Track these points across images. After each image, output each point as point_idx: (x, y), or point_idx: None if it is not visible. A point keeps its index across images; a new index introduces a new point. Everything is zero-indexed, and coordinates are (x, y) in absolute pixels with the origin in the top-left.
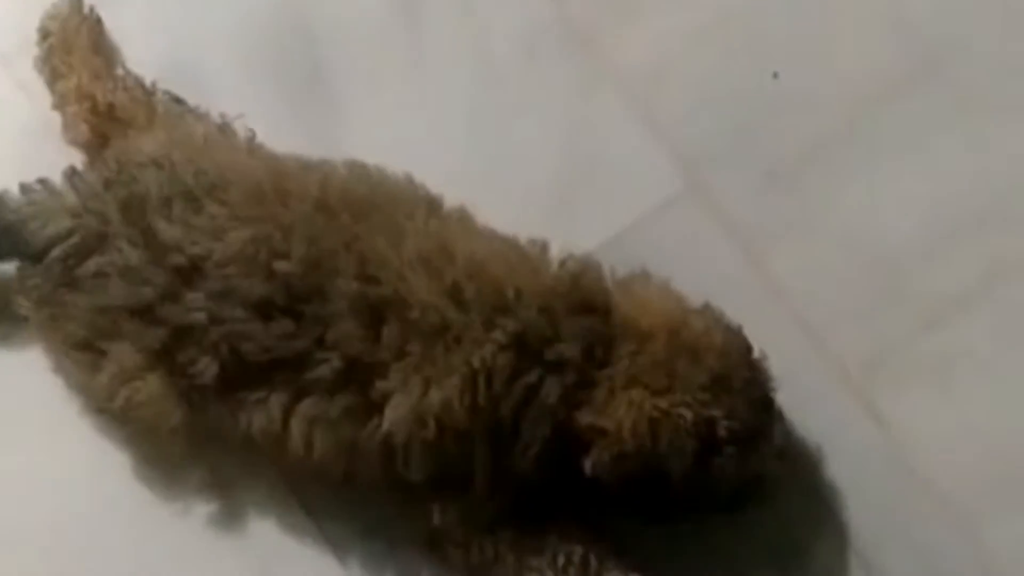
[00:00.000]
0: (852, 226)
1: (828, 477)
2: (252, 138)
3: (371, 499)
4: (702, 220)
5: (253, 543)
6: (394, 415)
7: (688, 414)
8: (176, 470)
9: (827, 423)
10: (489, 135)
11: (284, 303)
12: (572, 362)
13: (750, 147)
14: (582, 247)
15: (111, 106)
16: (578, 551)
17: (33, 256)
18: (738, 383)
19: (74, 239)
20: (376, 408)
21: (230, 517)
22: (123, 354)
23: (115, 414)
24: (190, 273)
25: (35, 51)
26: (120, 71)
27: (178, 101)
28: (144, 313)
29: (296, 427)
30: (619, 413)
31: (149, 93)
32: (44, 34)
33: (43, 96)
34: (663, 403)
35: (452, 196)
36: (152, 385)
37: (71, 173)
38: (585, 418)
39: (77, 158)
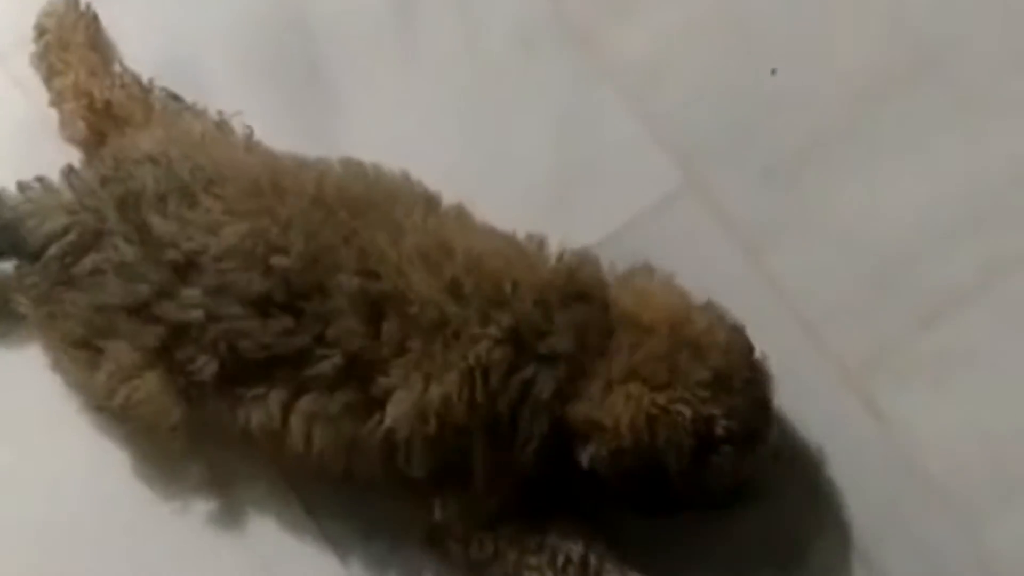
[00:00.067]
0: (851, 223)
1: (827, 474)
2: (250, 135)
3: (371, 497)
4: (700, 217)
5: (253, 541)
6: (396, 411)
7: (687, 411)
8: (175, 468)
9: (826, 420)
10: (486, 132)
11: (283, 299)
12: (565, 354)
13: (748, 144)
14: (580, 244)
15: (108, 103)
16: (577, 550)
17: (31, 254)
18: (739, 383)
19: (70, 236)
20: (377, 404)
21: (230, 515)
22: (121, 352)
23: (114, 412)
24: (186, 269)
25: (31, 48)
26: (117, 68)
27: (175, 98)
28: (141, 311)
29: (296, 423)
30: (617, 407)
31: (146, 90)
32: (40, 31)
33: (39, 93)
34: (662, 399)
35: (450, 193)
36: (150, 383)
37: (68, 171)
38: (582, 410)
39: (74, 155)
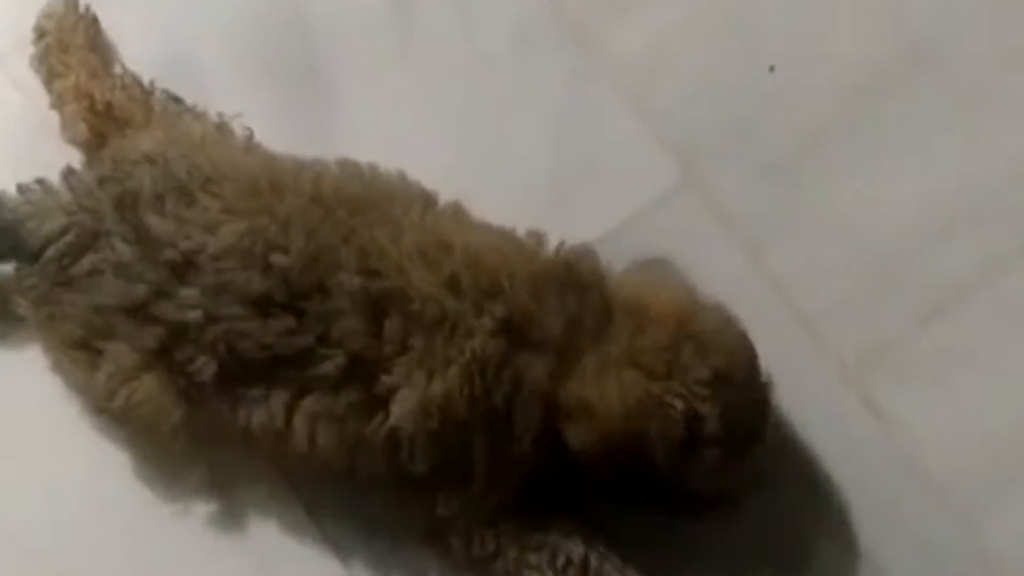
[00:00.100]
0: (850, 220)
1: (826, 472)
2: (250, 137)
3: (373, 497)
4: (699, 214)
5: (253, 543)
6: (401, 409)
7: (680, 404)
8: (176, 470)
9: (825, 418)
10: (485, 131)
11: (284, 299)
12: (557, 338)
13: (748, 141)
14: (580, 242)
15: (109, 105)
16: (578, 551)
17: (31, 256)
18: (737, 387)
19: (68, 237)
20: (380, 403)
21: (230, 517)
22: (120, 353)
23: (115, 413)
24: (184, 269)
25: (30, 50)
26: (118, 70)
27: (176, 100)
28: (139, 312)
29: (300, 424)
30: (610, 391)
31: (147, 92)
32: (40, 33)
33: (38, 94)
34: (657, 388)
35: (448, 192)
36: (150, 384)
37: (67, 172)
38: (574, 390)
39: (74, 157)
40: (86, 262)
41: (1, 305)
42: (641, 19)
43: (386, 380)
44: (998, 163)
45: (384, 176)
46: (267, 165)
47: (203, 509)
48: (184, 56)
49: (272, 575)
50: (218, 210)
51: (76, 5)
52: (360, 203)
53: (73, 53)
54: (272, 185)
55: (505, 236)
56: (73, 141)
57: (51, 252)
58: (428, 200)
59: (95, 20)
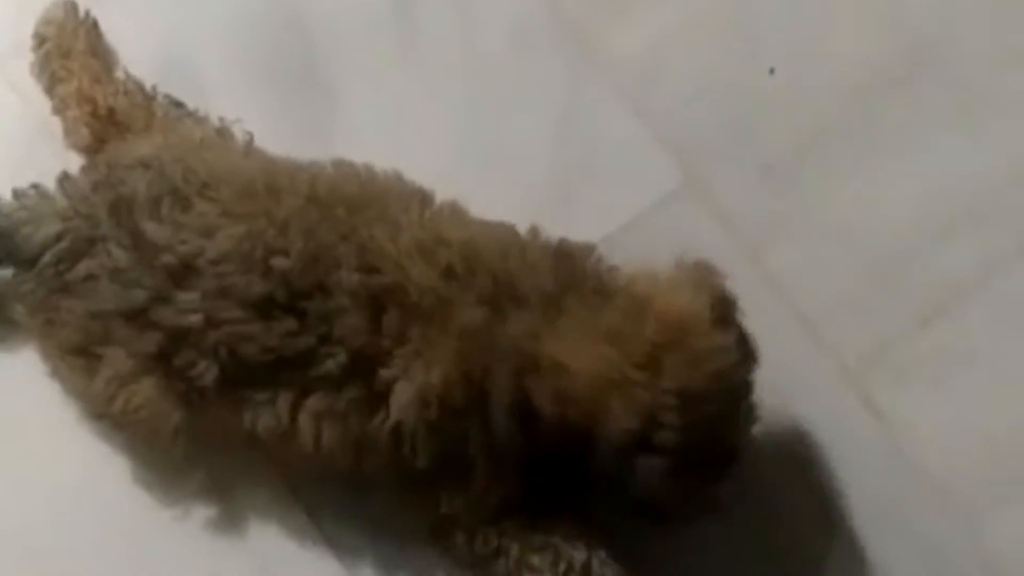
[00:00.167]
0: (849, 220)
1: (826, 471)
2: (250, 141)
3: (374, 499)
4: (699, 215)
5: (254, 546)
6: (400, 401)
7: (644, 397)
8: (176, 474)
9: (825, 417)
10: (485, 132)
11: (285, 300)
12: (539, 294)
13: (747, 142)
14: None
15: (111, 110)
16: (580, 557)
17: (27, 261)
18: (707, 418)
19: (64, 243)
20: (382, 397)
21: (231, 521)
22: (118, 359)
23: (114, 419)
24: (182, 273)
25: (28, 54)
26: (120, 75)
27: (177, 105)
28: (137, 317)
29: (304, 424)
30: (586, 357)
31: (149, 97)
32: (40, 40)
33: (37, 99)
34: (629, 373)
35: (448, 193)
36: (148, 389)
37: (62, 177)
38: (551, 347)
39: (73, 161)
40: (82, 268)
41: None
42: (641, 19)
43: (384, 374)
44: (998, 163)
45: (380, 176)
46: (264, 168)
47: (203, 513)
48: (183, 58)
49: None
50: (215, 214)
51: (76, 10)
52: (357, 202)
53: (75, 58)
54: (269, 188)
55: (502, 228)
56: (75, 146)
57: (47, 258)
58: (425, 198)
59: (95, 24)
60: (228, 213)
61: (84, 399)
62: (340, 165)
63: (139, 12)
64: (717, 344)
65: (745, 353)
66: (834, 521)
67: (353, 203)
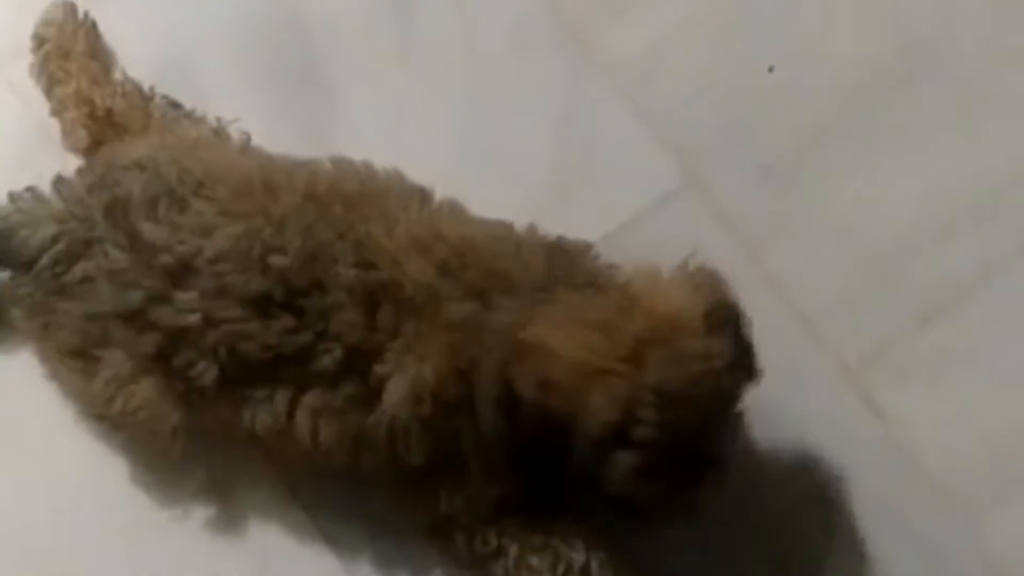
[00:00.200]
0: (849, 219)
1: (827, 471)
2: (247, 141)
3: (373, 498)
4: (699, 215)
5: (254, 545)
6: (393, 398)
7: (625, 390)
8: (175, 474)
9: (825, 417)
10: (484, 132)
11: (283, 298)
12: (530, 282)
13: (747, 141)
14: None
15: (109, 111)
16: (579, 559)
17: (24, 265)
18: (685, 420)
19: (60, 245)
20: (377, 393)
21: (230, 521)
22: (117, 360)
23: (113, 420)
24: (180, 273)
25: (27, 55)
26: (118, 76)
27: (175, 105)
28: (135, 318)
29: (302, 420)
30: (571, 343)
31: (147, 98)
32: (39, 41)
33: (36, 100)
34: (612, 364)
35: (447, 193)
36: (147, 389)
37: (57, 180)
38: (538, 331)
39: (70, 163)
40: (79, 270)
41: None
42: (640, 19)
43: (378, 370)
44: (998, 163)
45: (380, 174)
46: (261, 166)
47: (203, 512)
48: (183, 58)
49: None
50: (212, 214)
51: (75, 11)
52: (356, 200)
53: (74, 60)
54: (266, 186)
55: (499, 225)
56: (73, 148)
57: (44, 261)
58: (425, 196)
59: (94, 26)
60: (225, 212)
61: (83, 401)
62: (339, 163)
63: (139, 13)
64: (704, 347)
65: (741, 365)
66: (834, 521)
67: (351, 201)
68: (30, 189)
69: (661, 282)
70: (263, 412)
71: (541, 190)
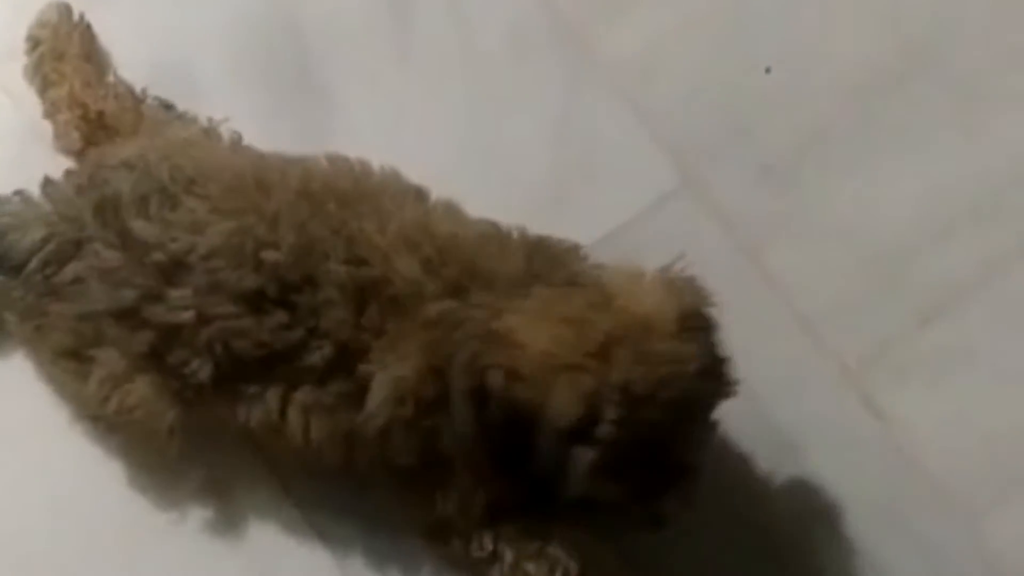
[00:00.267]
0: (849, 220)
1: (826, 471)
2: (238, 141)
3: (367, 496)
4: (698, 215)
5: (251, 547)
6: (376, 398)
7: (590, 384)
8: (171, 477)
9: (825, 418)
10: (482, 133)
11: (276, 295)
12: (507, 277)
13: (746, 142)
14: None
15: (101, 113)
16: (575, 567)
17: (14, 268)
18: (647, 422)
19: (50, 246)
20: (366, 392)
21: (227, 523)
22: (111, 359)
23: (109, 420)
24: (172, 270)
25: (21, 58)
26: (111, 78)
27: (168, 107)
28: (128, 316)
29: (293, 417)
30: (538, 334)
31: (139, 100)
32: (34, 43)
33: (29, 102)
34: (579, 359)
35: (445, 193)
36: (142, 388)
37: (45, 182)
38: (510, 323)
39: (64, 165)
40: (70, 270)
41: None
42: (638, 19)
43: (363, 368)
44: (998, 163)
45: (376, 172)
46: (253, 163)
47: (199, 515)
48: (179, 60)
49: None
50: (204, 210)
51: (70, 13)
52: (350, 196)
53: (68, 62)
54: (258, 183)
55: (487, 224)
56: (66, 150)
57: (33, 263)
58: (420, 195)
59: (89, 28)
60: (217, 209)
61: (78, 402)
62: (335, 160)
63: (134, 14)
64: (673, 350)
65: (713, 374)
66: (833, 521)
67: (345, 198)
68: (19, 192)
69: (639, 283)
70: (256, 408)
71: (539, 190)
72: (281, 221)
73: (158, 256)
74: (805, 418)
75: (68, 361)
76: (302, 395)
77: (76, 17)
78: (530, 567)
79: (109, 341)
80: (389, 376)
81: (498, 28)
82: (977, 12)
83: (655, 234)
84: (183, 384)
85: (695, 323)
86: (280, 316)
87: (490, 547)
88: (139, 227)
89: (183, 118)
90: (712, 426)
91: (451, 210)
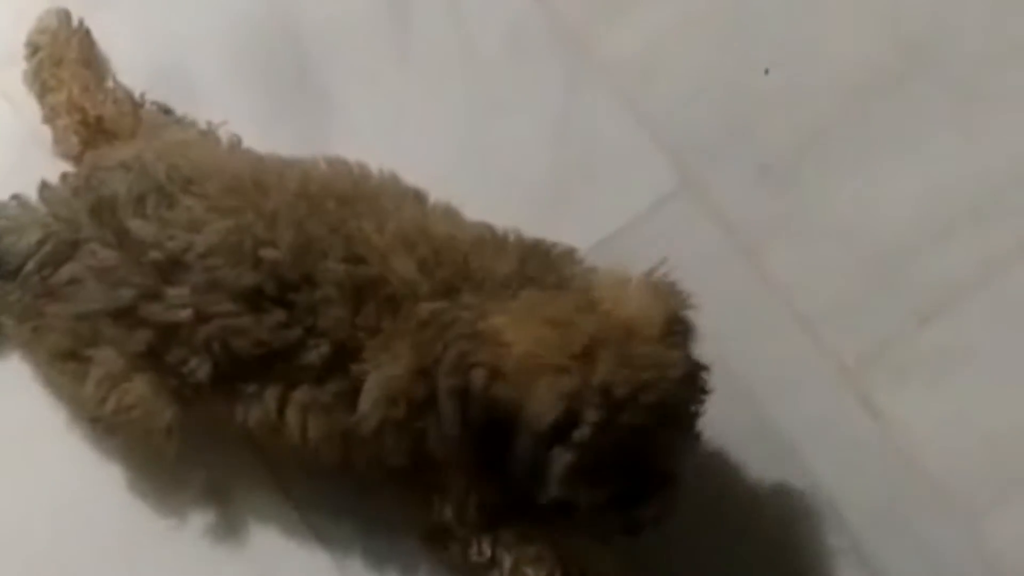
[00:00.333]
0: (848, 220)
1: (825, 471)
2: (237, 143)
3: (370, 502)
4: (697, 216)
5: (250, 550)
6: (369, 398)
7: (571, 384)
8: (170, 480)
9: (825, 418)
10: (481, 135)
11: (274, 293)
12: (498, 280)
13: (745, 142)
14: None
15: (100, 118)
16: (575, 573)
17: (11, 271)
18: (626, 427)
19: (46, 248)
20: (360, 391)
21: (227, 527)
22: (109, 359)
23: (107, 420)
24: (170, 269)
25: (22, 64)
26: (110, 83)
27: (166, 112)
28: (126, 315)
29: (291, 416)
30: (522, 332)
31: (137, 105)
32: (33, 48)
33: (29, 107)
34: (562, 359)
35: (444, 196)
36: (140, 387)
37: (42, 186)
38: (496, 323)
39: (62, 169)
40: (66, 271)
41: None
42: (637, 20)
43: (356, 368)
44: (998, 162)
45: (375, 175)
46: (251, 164)
47: (200, 519)
48: (179, 65)
49: None
50: (202, 209)
51: (70, 19)
52: (348, 197)
53: (66, 67)
54: (256, 183)
55: (484, 227)
56: (65, 155)
57: (30, 265)
58: (418, 197)
59: (88, 33)
60: (215, 207)
61: (76, 403)
62: (334, 162)
63: (134, 19)
64: (657, 355)
65: (692, 383)
66: (833, 521)
67: (344, 198)
68: (16, 197)
69: (625, 287)
70: (255, 407)
71: (539, 190)
72: (279, 219)
73: (155, 255)
74: (804, 418)
75: (66, 362)
76: (300, 394)
77: (75, 23)
78: (529, 572)
79: (106, 341)
80: (382, 375)
81: (497, 29)
82: (977, 12)
83: (654, 235)
84: (181, 383)
85: (679, 328)
86: (278, 314)
87: (488, 552)
88: (136, 226)
89: (182, 122)
90: (695, 436)
91: (449, 213)
